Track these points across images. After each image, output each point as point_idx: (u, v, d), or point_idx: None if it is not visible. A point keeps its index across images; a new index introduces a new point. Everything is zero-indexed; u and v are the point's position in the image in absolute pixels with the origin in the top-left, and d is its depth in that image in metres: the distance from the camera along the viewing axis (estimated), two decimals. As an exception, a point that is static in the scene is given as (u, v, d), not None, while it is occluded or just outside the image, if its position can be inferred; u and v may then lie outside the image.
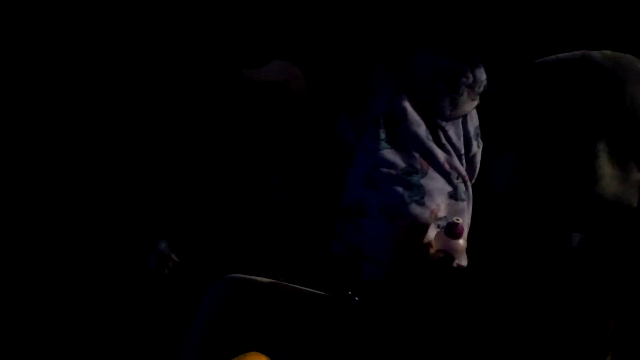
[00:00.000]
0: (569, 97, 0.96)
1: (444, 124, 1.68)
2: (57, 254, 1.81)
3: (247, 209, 1.76)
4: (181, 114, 1.94)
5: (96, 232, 1.83)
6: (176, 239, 1.69)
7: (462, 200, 1.66)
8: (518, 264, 1.00)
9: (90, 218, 1.85)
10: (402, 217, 1.58)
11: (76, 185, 1.89)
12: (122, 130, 1.94)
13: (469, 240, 1.57)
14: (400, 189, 1.60)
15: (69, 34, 1.98)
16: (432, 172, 1.64)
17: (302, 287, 1.39)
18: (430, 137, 1.67)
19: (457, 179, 1.67)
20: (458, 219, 1.55)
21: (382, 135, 1.67)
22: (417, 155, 1.64)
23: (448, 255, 1.50)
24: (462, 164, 1.69)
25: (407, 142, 1.66)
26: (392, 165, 1.63)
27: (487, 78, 1.70)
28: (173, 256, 1.66)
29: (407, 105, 1.68)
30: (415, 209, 1.59)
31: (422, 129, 1.67)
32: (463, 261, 1.53)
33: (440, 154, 1.66)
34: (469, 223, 1.68)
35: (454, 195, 1.65)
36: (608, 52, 0.99)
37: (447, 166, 1.65)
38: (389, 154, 1.65)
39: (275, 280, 1.39)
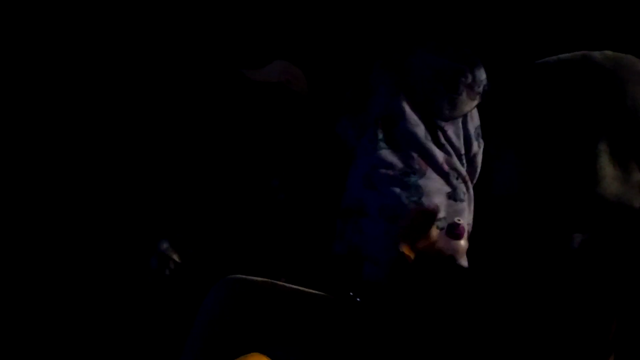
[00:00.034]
0: (570, 97, 0.96)
1: (443, 124, 1.68)
2: (58, 255, 1.81)
3: (248, 209, 1.76)
4: (182, 114, 1.94)
5: (97, 232, 1.83)
6: (177, 239, 1.69)
7: (462, 200, 1.65)
8: (519, 264, 1.00)
9: (92, 218, 1.85)
10: (401, 217, 1.58)
11: (77, 186, 1.89)
12: (124, 131, 1.94)
13: (470, 241, 1.57)
14: (397, 190, 1.60)
15: (69, 34, 1.98)
16: (430, 173, 1.63)
17: (303, 288, 1.39)
18: (429, 137, 1.66)
19: (457, 179, 1.66)
20: (459, 220, 1.54)
21: (380, 136, 1.66)
22: (415, 155, 1.64)
23: (449, 256, 1.50)
24: (462, 164, 1.69)
25: (405, 143, 1.65)
26: (390, 165, 1.63)
27: (488, 78, 1.70)
28: (174, 257, 1.66)
29: (405, 105, 1.67)
30: (413, 209, 1.58)
31: (420, 129, 1.66)
32: (464, 262, 1.52)
33: (439, 154, 1.65)
34: (471, 224, 1.68)
35: (452, 196, 1.65)
36: (609, 52, 0.99)
37: (446, 166, 1.65)
38: (387, 154, 1.64)
39: (276, 281, 1.39)
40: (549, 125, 0.97)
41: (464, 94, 1.67)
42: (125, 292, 1.73)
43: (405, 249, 1.36)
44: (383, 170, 1.63)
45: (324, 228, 1.70)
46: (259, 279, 1.37)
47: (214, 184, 1.80)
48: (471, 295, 1.07)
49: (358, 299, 1.50)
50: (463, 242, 1.53)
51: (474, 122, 1.72)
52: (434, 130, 1.67)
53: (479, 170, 1.73)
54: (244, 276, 1.37)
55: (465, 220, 1.65)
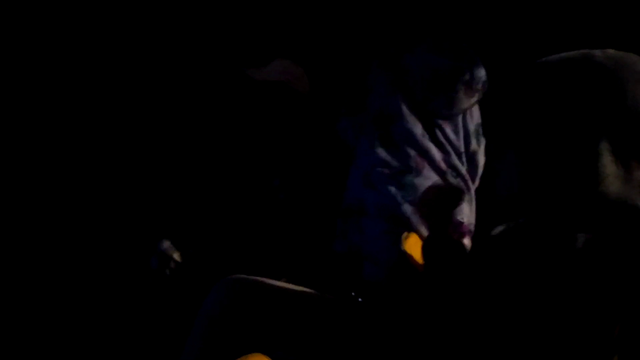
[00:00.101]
0: (571, 96, 0.95)
1: (441, 122, 1.67)
2: (58, 254, 1.82)
3: (249, 209, 1.76)
4: (183, 113, 1.94)
5: (98, 232, 1.83)
6: (178, 239, 1.69)
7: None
8: (523, 264, 0.99)
9: (92, 218, 1.85)
10: (398, 217, 1.57)
11: (78, 186, 1.89)
12: (125, 130, 1.94)
13: (473, 240, 1.56)
14: (393, 189, 1.59)
15: (69, 34, 1.98)
16: (427, 171, 1.62)
17: (304, 288, 1.39)
18: (426, 135, 1.66)
19: (455, 177, 1.65)
20: (462, 218, 1.54)
21: (378, 135, 1.66)
22: (412, 153, 1.63)
23: (458, 242, 1.48)
24: (462, 162, 1.67)
25: (402, 141, 1.65)
26: (386, 164, 1.63)
27: (488, 77, 1.68)
28: (175, 256, 1.66)
29: (402, 103, 1.67)
30: (408, 209, 1.58)
31: (417, 128, 1.65)
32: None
33: (436, 152, 1.64)
34: (473, 223, 1.67)
35: None
36: (610, 51, 0.98)
37: (443, 165, 1.64)
38: (384, 153, 1.64)
39: (277, 281, 1.39)
40: (550, 125, 0.96)
41: (462, 92, 1.65)
42: (126, 292, 1.73)
43: (407, 248, 1.36)
44: (380, 169, 1.62)
45: (324, 228, 1.70)
46: (260, 278, 1.37)
47: (214, 184, 1.80)
48: (474, 295, 1.07)
49: (360, 299, 1.49)
50: (466, 242, 1.53)
51: (474, 119, 1.71)
52: (431, 128, 1.66)
53: (480, 169, 1.72)
54: (244, 276, 1.37)
55: (468, 219, 1.65)
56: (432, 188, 1.56)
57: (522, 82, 1.01)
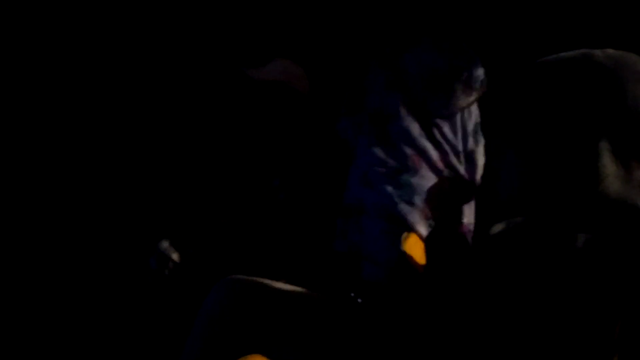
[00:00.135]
0: (571, 96, 0.95)
1: (438, 121, 1.67)
2: (57, 254, 1.82)
3: (248, 209, 1.76)
4: (183, 113, 1.94)
5: (97, 232, 1.83)
6: (177, 239, 1.69)
7: None
8: (523, 264, 1.00)
9: (91, 218, 1.85)
10: (395, 216, 1.57)
11: (77, 186, 1.89)
12: (124, 130, 1.94)
13: (473, 240, 1.56)
14: (390, 188, 1.59)
15: (69, 34, 1.98)
16: (424, 171, 1.62)
17: (303, 289, 1.39)
18: (423, 134, 1.65)
19: (453, 177, 1.65)
20: (462, 218, 1.54)
21: (375, 134, 1.66)
22: (409, 152, 1.63)
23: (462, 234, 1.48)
24: (460, 161, 1.67)
25: (399, 140, 1.65)
26: (383, 163, 1.63)
27: (488, 77, 1.68)
28: (174, 257, 1.66)
29: (399, 102, 1.67)
30: (405, 208, 1.58)
31: (415, 127, 1.65)
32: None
33: (433, 152, 1.64)
34: (473, 223, 1.67)
35: None
36: (610, 50, 0.99)
37: (440, 164, 1.64)
38: (381, 152, 1.64)
39: (277, 282, 1.38)
40: (550, 125, 0.96)
41: (459, 91, 1.65)
42: (125, 292, 1.73)
43: (407, 248, 1.36)
44: (377, 168, 1.62)
45: (324, 228, 1.70)
46: (259, 279, 1.37)
47: (213, 184, 1.80)
48: (474, 295, 1.07)
49: (359, 300, 1.49)
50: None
51: (473, 118, 1.70)
52: (429, 127, 1.66)
53: (479, 168, 1.71)
54: (244, 276, 1.37)
55: (467, 219, 1.65)
56: (442, 181, 1.56)
57: (522, 82, 1.01)
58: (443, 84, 1.65)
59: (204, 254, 1.69)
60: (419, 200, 1.59)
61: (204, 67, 1.96)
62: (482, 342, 1.01)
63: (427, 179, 1.62)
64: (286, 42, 1.94)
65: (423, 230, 1.57)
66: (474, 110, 1.71)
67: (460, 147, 1.68)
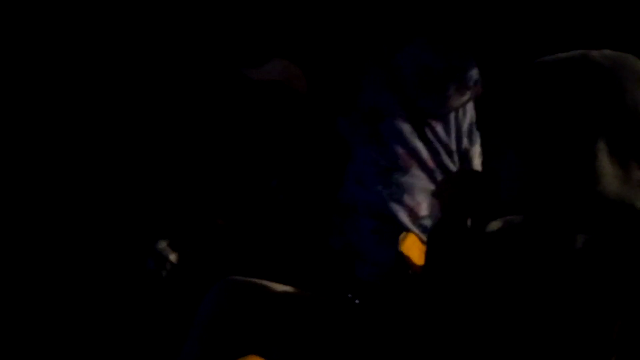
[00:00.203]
0: (569, 96, 0.95)
1: (431, 120, 1.67)
2: (55, 255, 1.82)
3: (247, 210, 1.76)
4: (181, 113, 1.94)
5: (95, 232, 1.83)
6: (174, 240, 1.69)
7: None
8: (522, 265, 0.99)
9: (89, 219, 1.85)
10: (385, 215, 1.57)
11: (75, 186, 1.89)
12: (122, 130, 1.94)
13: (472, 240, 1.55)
14: (380, 187, 1.59)
15: (69, 34, 1.98)
16: (415, 170, 1.62)
17: (301, 290, 1.39)
18: (415, 133, 1.65)
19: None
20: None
21: (368, 132, 1.66)
22: (400, 151, 1.63)
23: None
24: (453, 161, 1.67)
25: (391, 139, 1.64)
26: (375, 162, 1.63)
27: (486, 77, 1.68)
28: (171, 257, 1.66)
29: (392, 101, 1.67)
30: (394, 207, 1.58)
31: (406, 126, 1.65)
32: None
33: (424, 151, 1.64)
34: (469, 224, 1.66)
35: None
36: (608, 51, 0.99)
37: (431, 163, 1.63)
38: (373, 150, 1.64)
39: (274, 283, 1.39)
40: (548, 125, 0.97)
41: (452, 90, 1.65)
42: (122, 292, 1.73)
43: (404, 249, 1.36)
44: (369, 167, 1.63)
45: (322, 228, 1.69)
46: (257, 280, 1.37)
47: (212, 184, 1.80)
48: (473, 295, 1.07)
49: (357, 301, 1.49)
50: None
51: (467, 118, 1.70)
52: (421, 127, 1.66)
53: (475, 168, 1.71)
54: (242, 277, 1.37)
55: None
56: (459, 170, 1.56)
57: (520, 82, 1.01)
58: (437, 83, 1.65)
59: (201, 254, 1.69)
60: (408, 199, 1.59)
61: (202, 67, 1.96)
62: (479, 342, 1.01)
63: (417, 179, 1.61)
64: (284, 42, 1.94)
65: (414, 229, 1.57)
66: (469, 109, 1.70)
67: (454, 146, 1.67)
